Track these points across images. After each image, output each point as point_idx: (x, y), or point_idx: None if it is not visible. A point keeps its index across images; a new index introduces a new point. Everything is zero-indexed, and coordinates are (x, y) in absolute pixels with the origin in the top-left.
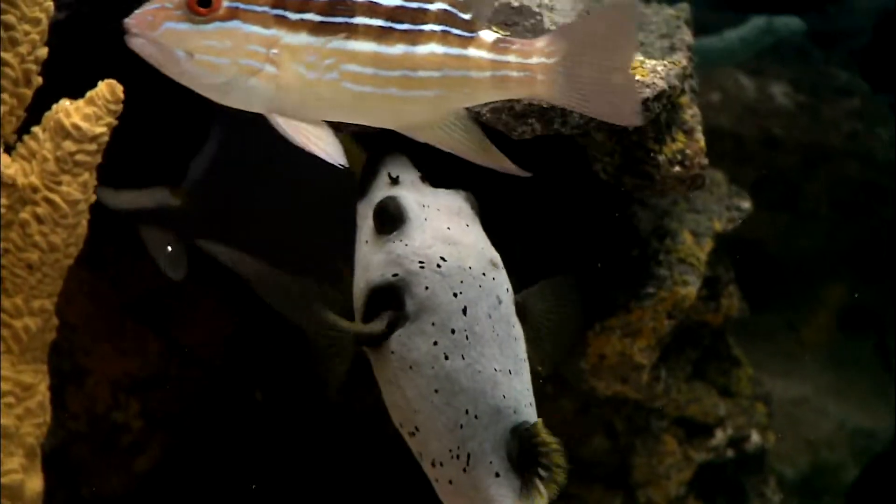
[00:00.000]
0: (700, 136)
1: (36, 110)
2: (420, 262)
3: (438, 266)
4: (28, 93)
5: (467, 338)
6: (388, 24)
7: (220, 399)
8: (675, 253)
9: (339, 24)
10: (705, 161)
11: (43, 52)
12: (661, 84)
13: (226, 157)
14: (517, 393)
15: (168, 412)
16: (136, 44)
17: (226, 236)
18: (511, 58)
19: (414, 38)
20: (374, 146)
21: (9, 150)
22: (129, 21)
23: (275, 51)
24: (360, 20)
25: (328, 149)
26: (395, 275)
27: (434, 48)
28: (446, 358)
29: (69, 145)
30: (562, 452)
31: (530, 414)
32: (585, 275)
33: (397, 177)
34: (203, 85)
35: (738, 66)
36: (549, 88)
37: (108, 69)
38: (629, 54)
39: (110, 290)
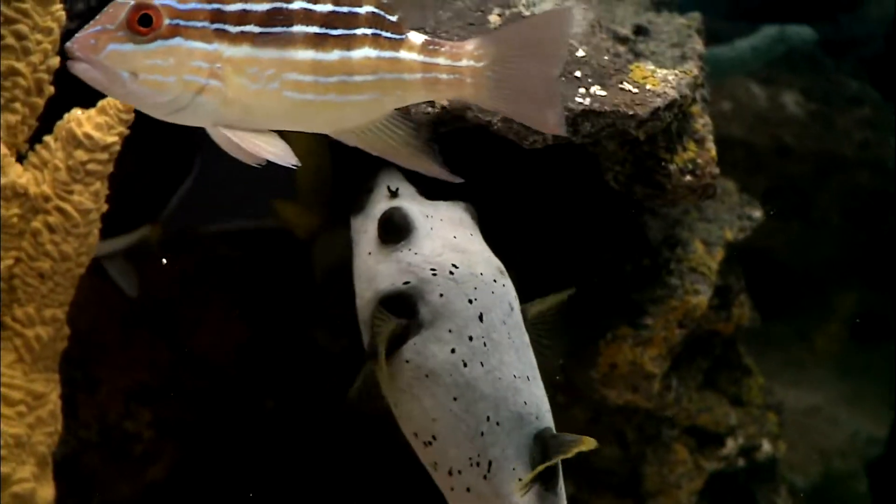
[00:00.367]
0: (711, 146)
1: (48, 120)
2: (432, 269)
3: (451, 273)
4: (40, 102)
5: (485, 344)
6: (324, 30)
7: (231, 408)
8: (687, 262)
9: (279, 33)
10: (716, 170)
11: (55, 61)
12: (673, 93)
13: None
14: (537, 399)
15: (179, 421)
16: (80, 68)
17: None
18: (441, 60)
19: (349, 43)
20: (365, 161)
21: (21, 159)
22: (72, 45)
23: (218, 65)
24: (298, 29)
25: (278, 151)
26: (407, 283)
27: (368, 52)
28: (465, 365)
29: (81, 155)
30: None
31: (550, 420)
32: (596, 284)
33: (397, 189)
34: (149, 105)
35: (749, 75)
36: (477, 91)
37: None
38: (557, 62)
39: (122, 299)
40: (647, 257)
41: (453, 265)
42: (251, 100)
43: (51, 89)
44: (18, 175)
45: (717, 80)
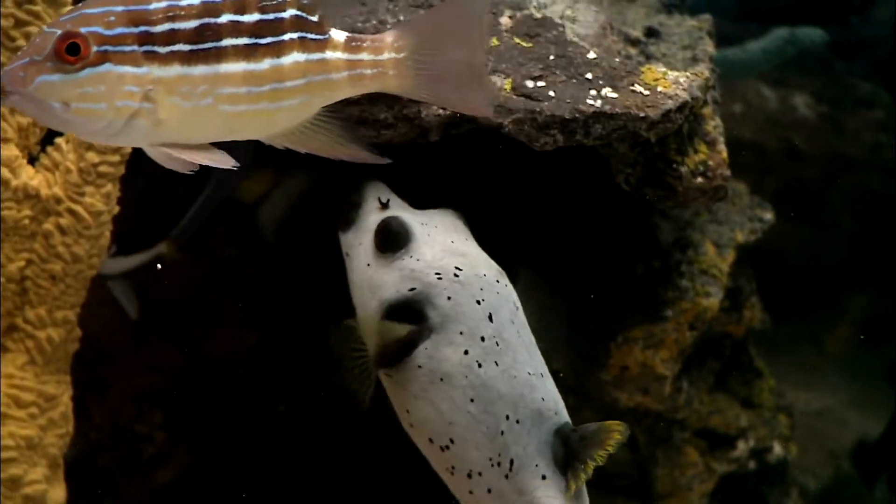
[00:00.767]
0: (722, 148)
1: None
2: (437, 273)
3: (456, 276)
4: None
5: (497, 344)
6: (254, 40)
7: (242, 411)
8: (698, 264)
9: (209, 49)
10: (728, 172)
11: None
12: (684, 95)
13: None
14: (553, 394)
15: (190, 424)
16: (13, 101)
17: None
18: (364, 55)
19: (278, 50)
20: (348, 177)
21: (32, 161)
22: (1, 79)
23: (149, 87)
24: (227, 42)
25: (216, 157)
26: (413, 289)
27: (297, 56)
28: (480, 366)
29: (92, 156)
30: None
31: (567, 414)
32: (607, 286)
33: (388, 201)
34: (86, 132)
35: (760, 77)
36: (401, 82)
37: None
38: (479, 45)
39: None
40: (658, 259)
41: (456, 268)
42: (185, 117)
43: None
44: (30, 177)
45: (728, 81)
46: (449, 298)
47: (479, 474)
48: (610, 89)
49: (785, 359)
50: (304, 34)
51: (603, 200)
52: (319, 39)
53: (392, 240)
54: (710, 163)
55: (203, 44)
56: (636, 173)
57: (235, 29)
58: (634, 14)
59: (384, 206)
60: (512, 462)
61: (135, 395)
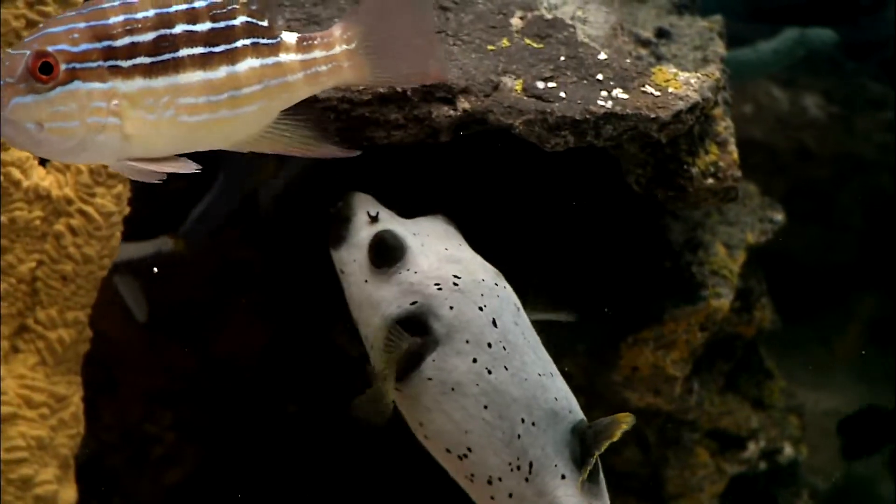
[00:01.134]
0: (733, 148)
1: None
2: (436, 283)
3: (455, 284)
4: None
5: (504, 348)
6: (208, 49)
7: (252, 411)
8: (708, 265)
9: (168, 60)
10: (738, 173)
11: None
12: (695, 96)
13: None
14: (566, 393)
15: (200, 424)
16: None
17: None
18: (317, 53)
19: (232, 57)
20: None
21: (43, 162)
22: None
23: (115, 102)
24: (184, 52)
25: (179, 165)
26: (414, 302)
27: (251, 62)
28: (489, 372)
29: None
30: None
31: (580, 412)
32: (618, 286)
33: (377, 214)
34: (59, 151)
35: (771, 78)
36: (358, 72)
37: None
38: (428, 17)
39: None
40: (669, 260)
41: (455, 276)
42: (150, 130)
43: None
44: (41, 178)
45: (738, 82)
46: (451, 308)
47: (500, 480)
48: (621, 90)
49: (795, 359)
50: (256, 39)
51: (613, 201)
52: (271, 43)
53: (387, 254)
54: (721, 164)
55: (161, 55)
56: (647, 174)
57: (190, 39)
58: (645, 15)
59: (374, 219)
60: (531, 464)
61: (145, 396)
